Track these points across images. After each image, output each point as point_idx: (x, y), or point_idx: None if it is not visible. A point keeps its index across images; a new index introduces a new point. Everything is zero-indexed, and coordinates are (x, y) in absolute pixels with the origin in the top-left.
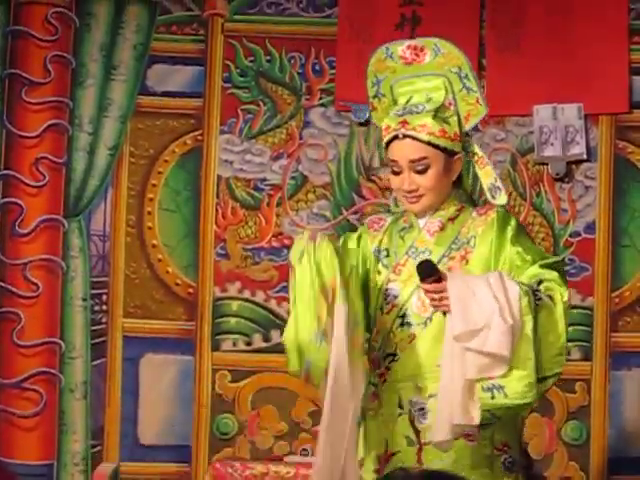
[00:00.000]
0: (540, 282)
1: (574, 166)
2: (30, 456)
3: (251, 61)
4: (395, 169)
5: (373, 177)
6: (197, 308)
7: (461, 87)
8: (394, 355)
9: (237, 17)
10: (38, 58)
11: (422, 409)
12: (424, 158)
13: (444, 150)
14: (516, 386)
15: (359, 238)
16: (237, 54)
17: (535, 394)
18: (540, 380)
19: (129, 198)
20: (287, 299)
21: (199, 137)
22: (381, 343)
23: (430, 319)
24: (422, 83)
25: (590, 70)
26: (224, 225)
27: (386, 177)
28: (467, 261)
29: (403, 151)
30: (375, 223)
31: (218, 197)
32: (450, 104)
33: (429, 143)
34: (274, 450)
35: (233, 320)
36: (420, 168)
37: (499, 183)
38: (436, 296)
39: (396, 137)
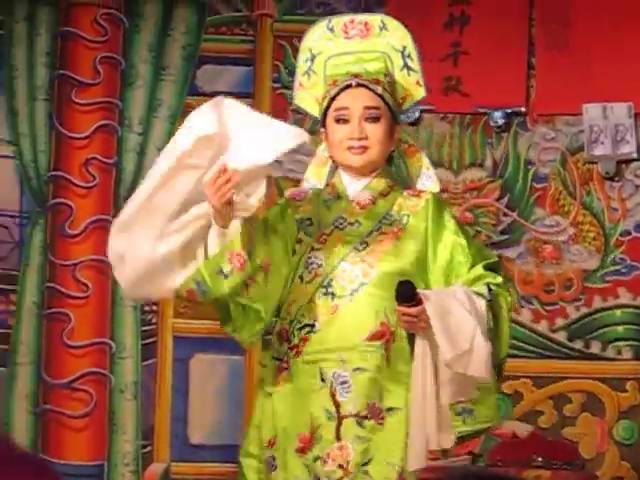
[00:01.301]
0: (489, 288)
1: (624, 165)
2: (81, 456)
3: None
4: (344, 117)
5: None
6: None
7: (402, 66)
8: (312, 326)
9: (286, 17)
10: (88, 59)
11: (345, 382)
12: (377, 108)
13: (391, 111)
14: (484, 410)
15: (282, 212)
16: (286, 54)
17: (496, 415)
18: None
19: None
20: None
21: None
22: (296, 314)
23: (356, 291)
24: (359, 62)
25: None
26: None
27: (322, 135)
28: (398, 238)
29: (357, 97)
30: (296, 195)
31: (268, 197)
32: (389, 82)
33: (382, 97)
34: None
35: None
36: (373, 117)
37: (431, 171)
38: (414, 319)
39: (348, 87)
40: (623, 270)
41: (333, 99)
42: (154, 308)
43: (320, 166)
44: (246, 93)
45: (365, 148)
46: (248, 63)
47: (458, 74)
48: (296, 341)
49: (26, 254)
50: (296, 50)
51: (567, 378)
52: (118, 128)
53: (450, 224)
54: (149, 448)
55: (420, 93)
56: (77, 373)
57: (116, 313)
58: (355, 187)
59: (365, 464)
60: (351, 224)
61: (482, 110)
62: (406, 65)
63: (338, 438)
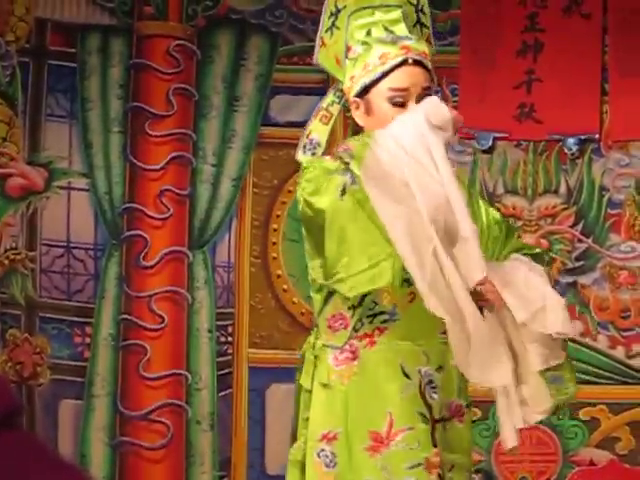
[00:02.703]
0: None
1: None
2: None
3: None
4: (399, 99)
5: (497, 204)
6: None
7: (415, 22)
8: (392, 314)
9: None
10: (161, 91)
11: (431, 382)
12: (430, 86)
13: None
14: (569, 377)
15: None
16: None
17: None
18: None
19: (253, 229)
20: None
21: None
22: (362, 299)
23: None
24: (380, 15)
25: None
26: None
27: (354, 104)
28: None
29: (416, 77)
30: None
31: None
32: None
33: (430, 73)
34: None
35: None
36: (426, 97)
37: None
38: (480, 288)
39: (404, 62)
40: None
41: (385, 75)
42: (229, 339)
43: (324, 123)
44: None
45: None
46: (321, 92)
47: (532, 101)
48: (368, 330)
49: (102, 286)
50: None
51: None
52: (192, 159)
53: (480, 199)
54: (226, 479)
55: (430, 51)
56: (153, 405)
57: (192, 344)
58: None
59: (450, 470)
60: None
61: (556, 137)
62: (419, 21)
63: (434, 444)
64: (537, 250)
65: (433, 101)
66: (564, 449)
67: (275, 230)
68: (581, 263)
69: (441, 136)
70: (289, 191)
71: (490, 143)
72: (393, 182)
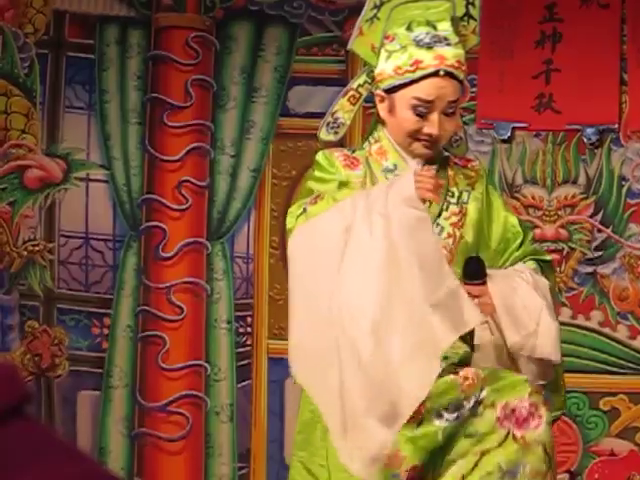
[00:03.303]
0: (540, 266)
1: None
2: None
3: None
4: (422, 109)
5: (516, 194)
6: None
7: (464, 13)
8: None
9: None
10: (179, 82)
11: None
12: (457, 100)
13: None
14: (557, 399)
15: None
16: None
17: (564, 402)
18: None
19: (272, 220)
20: None
21: None
22: None
23: None
24: (425, 8)
25: None
26: None
27: (379, 97)
28: (465, 218)
29: (444, 90)
30: (349, 162)
31: None
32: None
33: (461, 82)
34: None
35: None
36: (451, 111)
37: (462, 132)
38: (478, 301)
39: (435, 74)
40: None
41: (414, 82)
42: (248, 330)
43: (352, 103)
44: None
45: (435, 142)
46: (340, 83)
47: (550, 91)
48: None
49: (120, 278)
50: None
51: None
52: (210, 150)
53: (499, 200)
54: (245, 470)
55: (473, 41)
56: (172, 396)
57: (211, 335)
58: (415, 159)
59: None
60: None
61: (575, 127)
62: (467, 13)
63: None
64: (548, 257)
65: (399, 182)
66: (584, 439)
67: None
68: (600, 253)
69: (408, 212)
70: None
71: (509, 133)
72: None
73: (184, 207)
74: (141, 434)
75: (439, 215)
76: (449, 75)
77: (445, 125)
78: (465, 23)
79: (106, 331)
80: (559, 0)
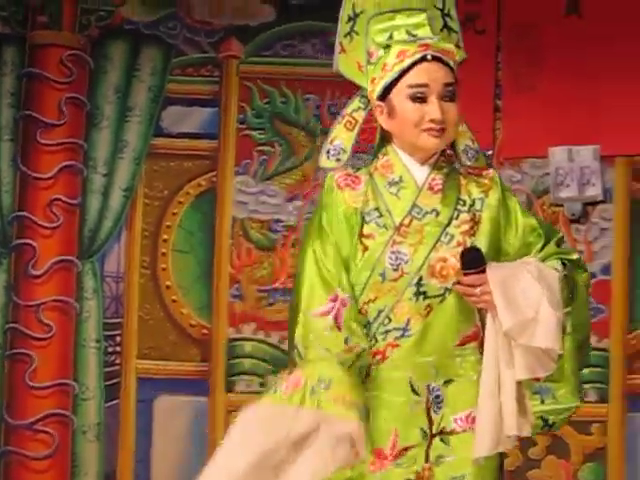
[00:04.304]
0: (564, 265)
1: (590, 208)
2: None
3: (266, 103)
4: (419, 95)
5: None
6: (211, 349)
7: (442, 26)
8: (405, 330)
9: (252, 59)
10: (53, 100)
11: (438, 397)
12: (453, 84)
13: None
14: (564, 387)
15: (344, 213)
16: (252, 96)
17: (581, 395)
18: None
19: (143, 239)
20: None
21: (213, 178)
22: (377, 315)
23: (449, 291)
24: (402, 18)
25: (606, 112)
26: (239, 266)
27: (379, 109)
28: (478, 225)
29: (435, 73)
30: (349, 181)
31: (232, 238)
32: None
33: (453, 71)
34: None
35: (247, 361)
36: (450, 95)
37: (476, 146)
38: (477, 290)
39: (423, 59)
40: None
41: (404, 74)
42: (117, 349)
43: (349, 129)
44: (212, 134)
45: (442, 130)
46: (214, 104)
47: None
48: (381, 346)
49: None
50: (262, 91)
51: None
52: (83, 169)
53: (517, 205)
54: None
55: (460, 56)
56: (39, 414)
57: (79, 354)
58: (420, 170)
59: None
60: (429, 213)
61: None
62: (446, 25)
63: (427, 459)
64: (574, 257)
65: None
66: None
67: (165, 241)
68: None
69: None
70: (179, 202)
71: None
72: None
73: (55, 225)
74: (7, 452)
75: (449, 224)
76: (437, 60)
77: (446, 110)
78: (446, 35)
79: None
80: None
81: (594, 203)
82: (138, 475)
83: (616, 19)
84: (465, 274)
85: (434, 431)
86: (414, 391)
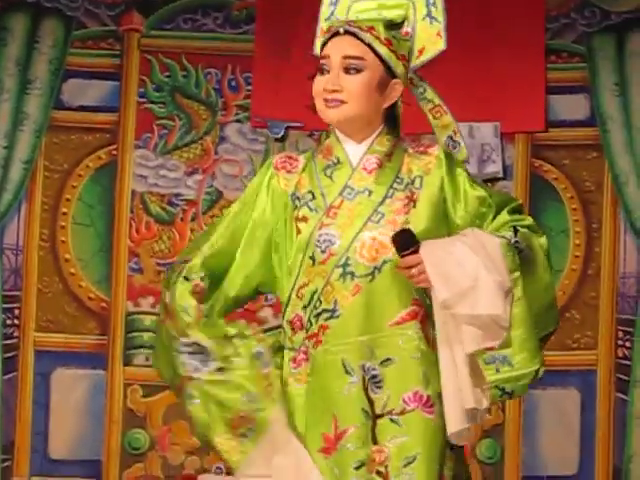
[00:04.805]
0: (515, 231)
1: (490, 184)
2: None
3: (167, 76)
4: (324, 67)
5: None
6: (110, 323)
7: (425, 14)
8: (333, 311)
9: (153, 32)
10: None
11: (375, 377)
12: (360, 58)
13: (384, 63)
14: (520, 353)
15: (268, 188)
16: (153, 69)
17: (540, 359)
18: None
19: (43, 212)
20: None
21: (114, 152)
22: (311, 298)
23: (379, 270)
24: (382, 5)
25: (507, 89)
26: (138, 240)
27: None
28: (414, 203)
29: (339, 46)
30: (286, 163)
31: (132, 212)
32: (407, 33)
33: (370, 46)
34: (185, 466)
35: (146, 335)
36: (352, 67)
37: (459, 138)
38: (414, 271)
39: (336, 34)
40: None
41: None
42: (16, 322)
43: None
44: (112, 107)
45: (340, 102)
46: (114, 78)
47: None
48: (315, 329)
49: None
50: (163, 65)
51: None
52: None
53: (465, 179)
54: (9, 462)
55: (439, 45)
56: None
57: None
58: (356, 150)
59: (407, 465)
60: (361, 192)
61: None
62: (429, 14)
63: (374, 441)
64: (527, 222)
65: None
66: None
67: (64, 214)
68: None
69: None
70: (79, 175)
71: (283, 132)
72: None
73: None
74: None
75: (382, 203)
76: (351, 34)
77: (343, 81)
78: (427, 25)
79: None
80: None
81: (494, 180)
82: (35, 448)
83: None
84: (401, 256)
85: (378, 412)
86: (347, 372)
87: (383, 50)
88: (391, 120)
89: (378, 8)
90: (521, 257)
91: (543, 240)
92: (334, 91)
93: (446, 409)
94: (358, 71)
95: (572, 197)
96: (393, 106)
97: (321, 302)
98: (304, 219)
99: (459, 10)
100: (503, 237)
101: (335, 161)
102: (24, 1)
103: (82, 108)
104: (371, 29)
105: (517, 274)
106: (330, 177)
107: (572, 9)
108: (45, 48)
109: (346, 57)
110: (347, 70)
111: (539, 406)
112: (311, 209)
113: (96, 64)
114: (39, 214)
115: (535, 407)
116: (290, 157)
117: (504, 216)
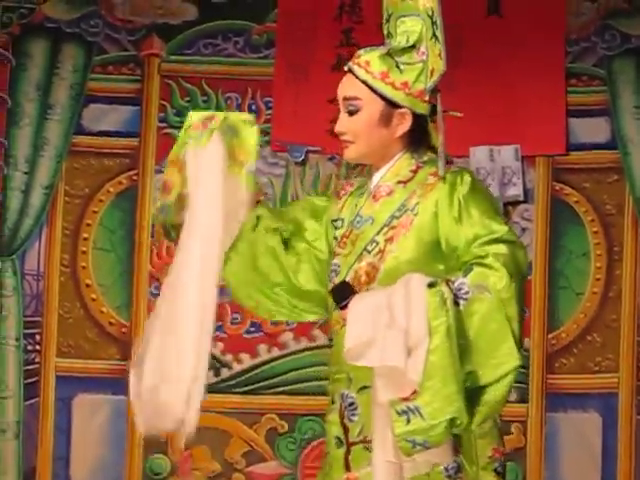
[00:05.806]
0: (470, 270)
1: (511, 207)
2: None
3: (187, 101)
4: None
5: None
6: (130, 348)
7: (431, 35)
8: (331, 340)
9: (173, 57)
10: None
11: (352, 404)
12: (356, 98)
13: (382, 97)
14: (431, 404)
15: (324, 209)
16: (173, 94)
17: (458, 406)
18: (487, 385)
19: (63, 237)
20: (221, 339)
21: (134, 177)
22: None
23: None
24: (409, 23)
25: (527, 112)
26: (159, 265)
27: None
28: (407, 230)
29: (342, 86)
30: (343, 189)
31: (153, 237)
32: (423, 53)
33: (365, 83)
34: None
35: None
36: (351, 109)
37: (439, 157)
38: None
39: (348, 71)
40: None
41: None
42: (37, 348)
43: None
44: (133, 132)
45: (349, 143)
46: (135, 103)
47: None
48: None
49: None
50: (183, 90)
51: None
52: (3, 167)
53: (455, 209)
54: None
55: (440, 67)
56: None
57: None
58: (376, 177)
59: None
60: (366, 221)
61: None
62: (434, 34)
63: (347, 467)
64: (488, 259)
65: None
66: None
67: (85, 239)
68: None
69: None
70: (100, 200)
71: (303, 156)
72: None
73: None
74: None
75: (379, 232)
76: (351, 72)
77: (345, 123)
78: (433, 45)
79: None
80: (356, 25)
81: (515, 203)
82: (57, 473)
83: (536, 20)
84: (340, 309)
85: (352, 439)
86: (332, 400)
87: (378, 85)
88: (416, 143)
89: (403, 33)
90: (468, 298)
91: (501, 278)
92: (341, 133)
93: (375, 466)
94: (356, 110)
95: (593, 220)
96: (414, 130)
97: (329, 331)
98: (331, 246)
99: (480, 34)
100: (436, 284)
101: (365, 190)
102: (45, 26)
103: (103, 133)
104: (367, 64)
105: (438, 321)
106: (356, 205)
107: (592, 33)
108: (66, 73)
109: (345, 98)
110: (349, 112)
111: (560, 429)
112: (335, 237)
113: (117, 89)
114: (60, 239)
115: (556, 430)
116: (350, 184)
117: (472, 250)
